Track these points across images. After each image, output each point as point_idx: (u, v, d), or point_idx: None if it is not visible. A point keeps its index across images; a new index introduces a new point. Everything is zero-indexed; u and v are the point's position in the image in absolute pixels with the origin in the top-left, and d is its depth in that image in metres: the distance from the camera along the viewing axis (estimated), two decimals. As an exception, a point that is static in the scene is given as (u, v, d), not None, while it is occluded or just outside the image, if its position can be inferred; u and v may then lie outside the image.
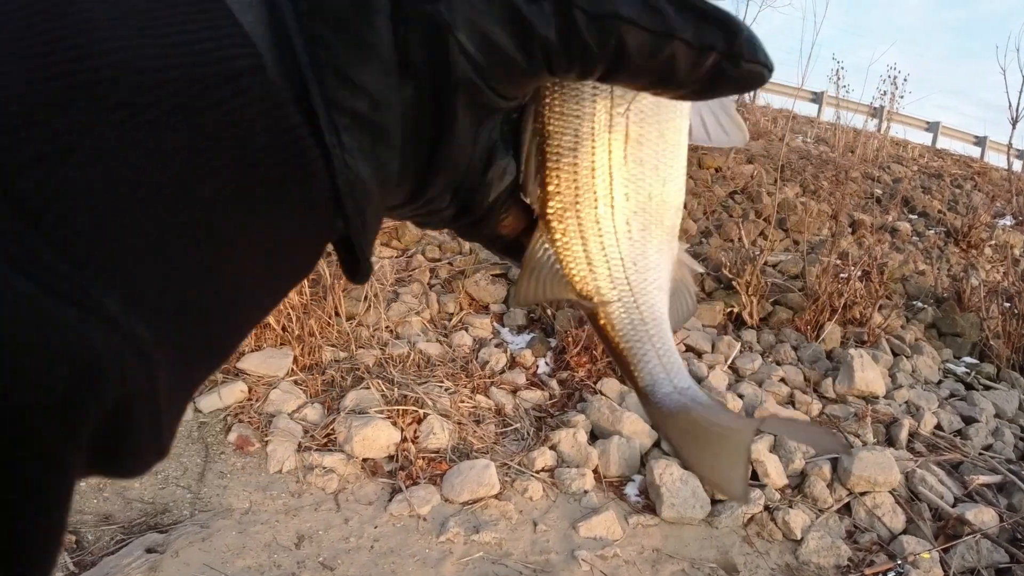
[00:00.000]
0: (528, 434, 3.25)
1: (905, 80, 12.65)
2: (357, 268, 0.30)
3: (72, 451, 0.19)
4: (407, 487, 2.83)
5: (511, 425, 3.29)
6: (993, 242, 7.76)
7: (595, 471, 3.03)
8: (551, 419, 3.36)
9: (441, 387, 3.43)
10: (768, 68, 0.28)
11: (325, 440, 3.08)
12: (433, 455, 3.03)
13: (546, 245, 0.38)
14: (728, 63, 0.27)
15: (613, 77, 0.28)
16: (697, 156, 7.44)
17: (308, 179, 0.25)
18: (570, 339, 3.71)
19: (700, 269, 0.49)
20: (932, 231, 7.64)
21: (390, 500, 2.79)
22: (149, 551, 2.43)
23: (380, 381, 3.34)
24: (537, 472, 2.99)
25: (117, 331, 0.19)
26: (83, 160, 0.19)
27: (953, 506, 3.20)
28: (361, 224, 0.27)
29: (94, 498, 2.68)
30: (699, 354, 4.09)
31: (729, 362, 4.00)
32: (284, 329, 3.62)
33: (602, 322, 0.42)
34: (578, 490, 2.90)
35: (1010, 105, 10.93)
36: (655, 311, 0.42)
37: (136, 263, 0.20)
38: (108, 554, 2.40)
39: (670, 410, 0.45)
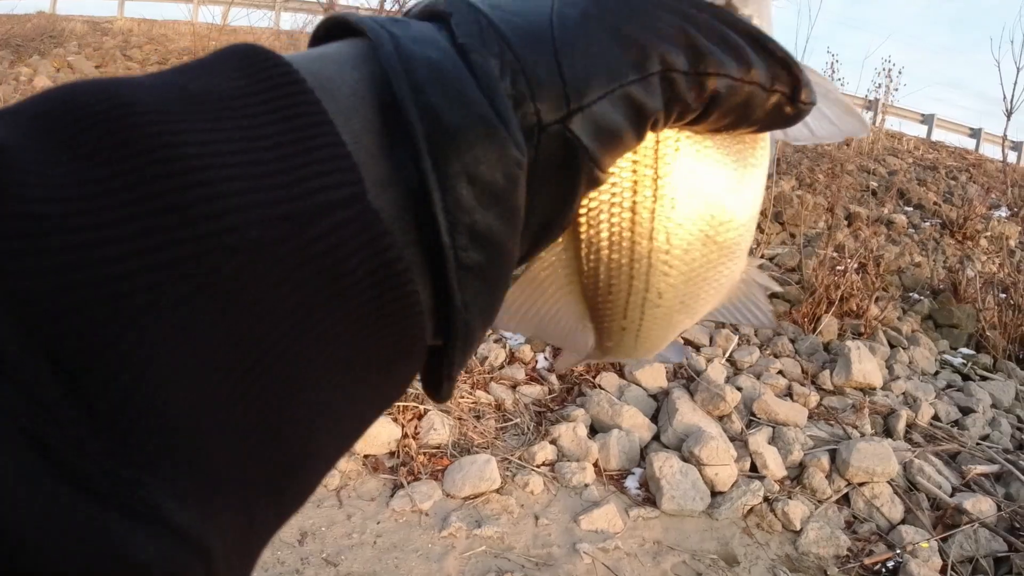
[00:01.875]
0: (528, 429, 3.27)
1: (900, 73, 12.68)
2: (440, 388, 0.29)
3: None
4: (409, 483, 2.85)
5: (511, 420, 3.31)
6: (988, 233, 7.80)
7: (595, 465, 3.05)
8: (551, 414, 3.38)
9: (441, 383, 3.44)
10: (813, 104, 0.31)
11: (326, 437, 3.09)
12: (434, 451, 3.04)
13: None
14: (787, 102, 0.30)
15: (699, 121, 0.30)
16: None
17: (410, 326, 0.24)
18: (569, 334, 3.72)
19: (775, 288, 0.46)
20: (928, 223, 7.67)
21: (392, 496, 2.80)
22: (152, 550, 2.43)
23: (380, 378, 3.35)
24: (538, 466, 3.01)
25: (176, 536, 0.17)
26: (152, 310, 0.17)
27: (951, 496, 3.23)
28: (461, 364, 0.27)
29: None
30: (697, 347, 4.11)
31: (727, 355, 4.02)
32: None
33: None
34: (579, 484, 2.92)
35: (1004, 97, 10.94)
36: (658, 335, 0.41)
37: (210, 453, 0.18)
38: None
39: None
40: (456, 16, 0.25)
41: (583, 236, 0.34)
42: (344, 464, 2.93)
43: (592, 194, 0.32)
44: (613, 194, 0.32)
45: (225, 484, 0.19)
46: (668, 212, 0.33)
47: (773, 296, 4.69)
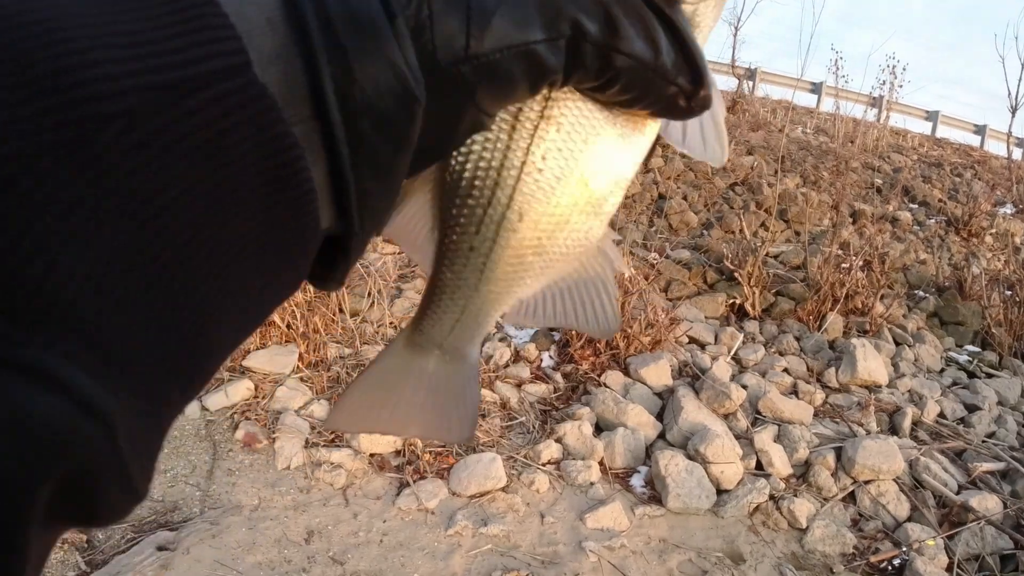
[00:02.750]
0: (534, 427, 3.27)
1: (904, 69, 12.67)
2: (333, 276, 0.30)
3: (24, 525, 0.18)
4: (414, 481, 2.85)
5: (516, 419, 3.31)
6: (994, 231, 7.77)
7: (601, 463, 3.05)
8: (556, 412, 3.38)
9: (446, 382, 3.45)
10: (705, 110, 0.33)
11: (332, 436, 3.10)
12: (440, 449, 3.04)
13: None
14: (684, 97, 0.31)
15: (597, 91, 0.31)
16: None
17: (303, 204, 0.24)
18: (574, 333, 3.72)
19: (624, 269, 0.46)
20: (933, 220, 7.65)
21: (398, 495, 2.81)
22: (160, 549, 2.44)
23: (385, 377, 3.35)
24: (543, 465, 3.01)
25: (71, 398, 0.18)
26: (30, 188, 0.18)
27: (957, 493, 3.22)
28: (357, 253, 0.28)
29: (104, 497, 2.69)
30: (702, 345, 4.11)
31: (732, 353, 4.02)
32: (289, 327, 3.64)
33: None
34: (584, 482, 2.92)
35: (1009, 93, 10.92)
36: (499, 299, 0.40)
37: (95, 317, 0.19)
38: (119, 553, 2.41)
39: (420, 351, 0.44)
40: None
41: None
42: (350, 463, 2.93)
43: None
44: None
45: (125, 359, 0.20)
46: (551, 133, 0.33)
47: (778, 294, 4.69)
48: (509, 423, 3.29)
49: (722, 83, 11.43)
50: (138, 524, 2.60)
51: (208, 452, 3.03)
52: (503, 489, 2.85)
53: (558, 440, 3.13)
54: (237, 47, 0.21)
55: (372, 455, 3.01)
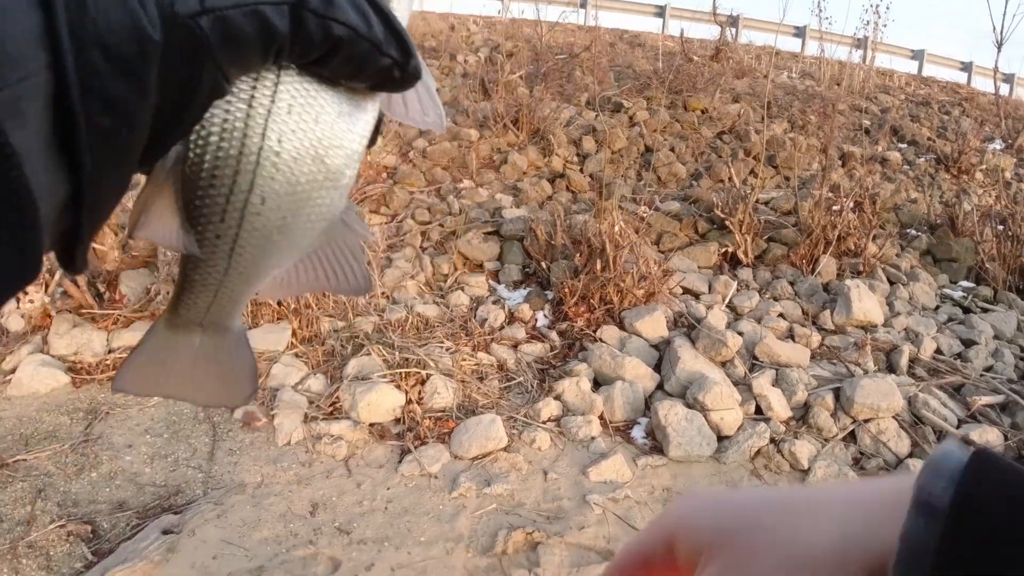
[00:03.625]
0: (532, 387, 3.26)
1: (888, 8, 12.50)
2: (74, 255, 0.31)
3: None
4: (416, 448, 2.85)
5: (514, 379, 3.30)
6: (984, 167, 7.73)
7: (601, 417, 3.05)
8: (553, 370, 3.38)
9: (442, 347, 3.44)
10: (417, 79, 0.37)
11: (331, 409, 3.09)
12: (439, 414, 3.04)
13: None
14: (397, 68, 0.35)
15: (322, 64, 0.34)
16: (683, 99, 7.36)
17: (21, 207, 0.25)
18: (567, 290, 3.70)
19: (368, 236, 0.49)
20: (922, 159, 7.60)
21: (400, 462, 2.80)
22: (165, 532, 2.43)
23: (380, 346, 3.34)
24: (544, 423, 3.01)
25: None
26: None
27: (957, 428, 3.24)
28: (91, 230, 0.30)
29: (106, 487, 2.67)
30: (696, 295, 4.09)
31: (727, 301, 4.01)
32: (280, 304, 3.60)
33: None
34: (585, 437, 2.92)
35: (994, 28, 10.78)
36: (246, 274, 0.41)
37: None
38: (125, 540, 2.40)
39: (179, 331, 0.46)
40: None
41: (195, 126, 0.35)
42: (350, 434, 2.93)
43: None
44: (232, 93, 0.35)
45: None
46: (284, 115, 0.35)
47: (770, 240, 4.66)
48: (507, 384, 3.28)
49: (704, 31, 11.27)
50: (142, 510, 2.58)
51: (208, 434, 3.01)
52: (504, 449, 2.85)
53: (557, 397, 3.12)
54: None
55: (372, 425, 3.00)
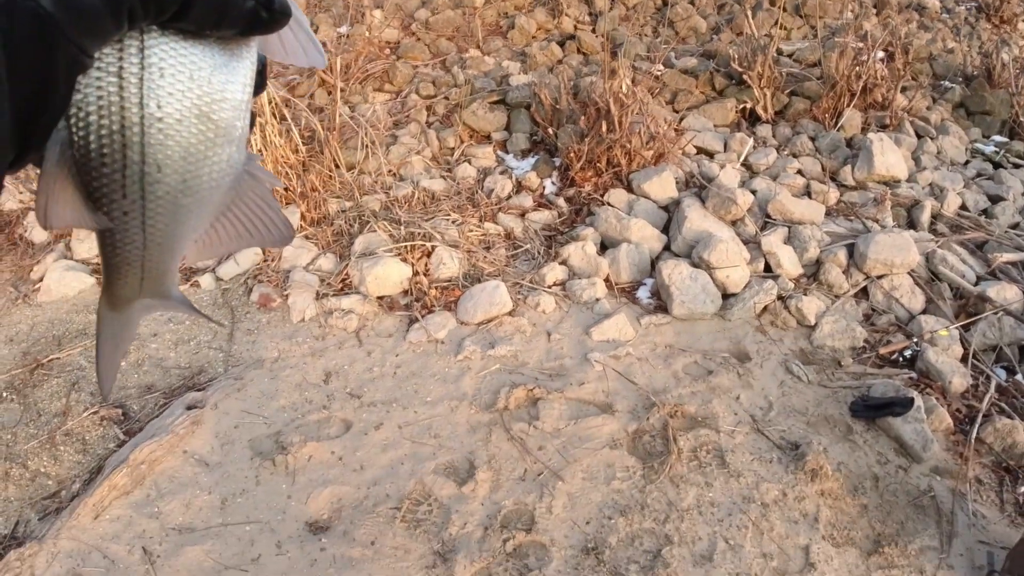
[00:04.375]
0: (539, 253, 3.25)
1: None
2: None
3: None
4: (423, 316, 2.90)
5: (521, 247, 3.30)
6: (1032, 10, 7.15)
7: (606, 280, 3.05)
8: (560, 236, 3.35)
9: (448, 220, 3.42)
10: (287, 16, 0.37)
11: (341, 285, 3.14)
12: (445, 284, 3.07)
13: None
14: (262, 8, 0.35)
15: (178, 19, 0.34)
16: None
17: None
18: (573, 156, 3.61)
19: (279, 184, 0.49)
20: (963, 7, 7.04)
21: (408, 330, 2.86)
22: (190, 408, 2.55)
23: (386, 223, 3.33)
24: (549, 287, 3.02)
25: None
26: None
27: (975, 284, 3.15)
28: None
29: (134, 373, 2.79)
30: (711, 155, 3.96)
31: (742, 159, 3.87)
32: (287, 189, 3.59)
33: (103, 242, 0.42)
34: (590, 299, 2.94)
35: None
36: (163, 235, 0.41)
37: None
38: (153, 419, 2.53)
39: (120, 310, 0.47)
40: None
41: (71, 109, 0.35)
42: (360, 307, 2.98)
43: (81, 77, 0.34)
44: (99, 68, 0.34)
45: None
46: (157, 80, 0.35)
47: (792, 94, 4.44)
48: (514, 252, 3.28)
49: None
50: (169, 391, 2.70)
51: (227, 318, 3.09)
52: (509, 314, 2.88)
53: (563, 263, 3.12)
54: None
55: (380, 298, 3.04)
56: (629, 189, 3.49)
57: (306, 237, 3.44)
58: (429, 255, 3.18)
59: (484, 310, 2.83)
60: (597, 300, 2.91)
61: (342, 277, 3.16)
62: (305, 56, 0.40)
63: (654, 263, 3.10)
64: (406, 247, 3.17)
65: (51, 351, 2.88)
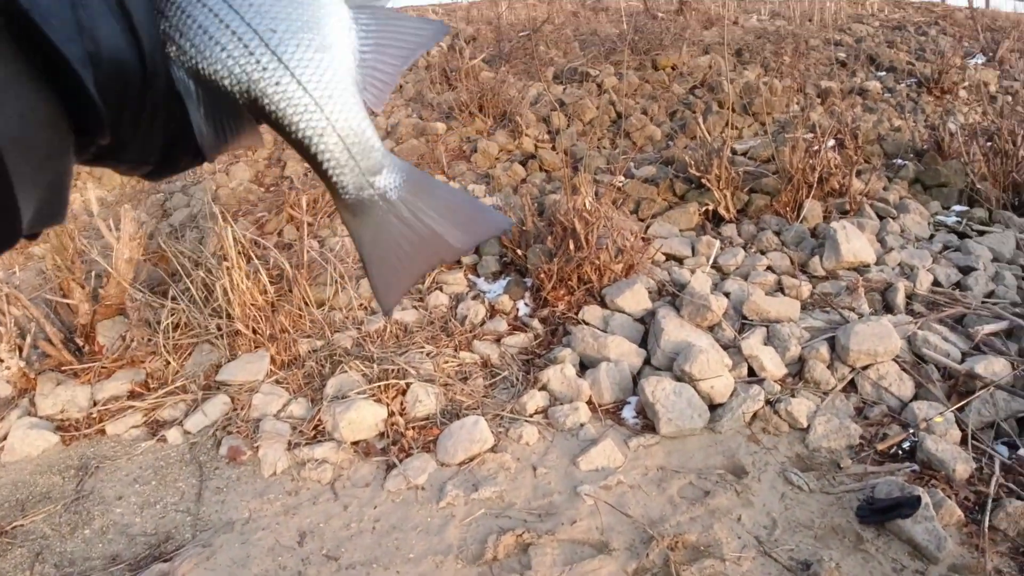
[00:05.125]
0: (517, 379, 3.16)
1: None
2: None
3: None
4: (401, 460, 2.76)
5: (499, 374, 3.21)
6: (967, 83, 7.51)
7: (589, 402, 2.95)
8: (538, 360, 3.27)
9: (422, 352, 3.34)
10: None
11: (314, 433, 3.01)
12: (423, 422, 2.95)
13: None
14: None
15: None
16: (651, 58, 7.18)
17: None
18: (543, 275, 3.59)
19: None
20: (903, 84, 7.39)
21: (386, 478, 2.72)
22: (157, 583, 2.38)
23: (359, 361, 3.25)
24: (530, 416, 2.91)
25: None
26: None
27: (961, 362, 3.09)
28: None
29: (99, 542, 2.63)
30: (680, 260, 3.97)
31: (711, 262, 3.88)
32: (255, 332, 3.52)
33: (268, 110, 0.40)
34: (574, 425, 2.83)
35: (965, -63, 10.50)
36: (323, 82, 0.40)
37: None
38: (117, 594, 2.35)
39: (359, 207, 0.44)
40: None
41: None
42: (335, 455, 2.84)
43: None
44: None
45: None
46: None
47: (751, 191, 4.52)
48: (492, 380, 3.19)
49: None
50: (134, 562, 2.53)
51: (195, 475, 2.95)
52: (491, 450, 2.75)
53: (543, 388, 3.03)
54: None
55: (355, 443, 2.91)
56: (603, 304, 3.45)
57: (276, 382, 3.33)
58: (404, 393, 3.08)
59: (465, 448, 2.71)
60: (582, 426, 2.80)
61: (314, 424, 3.04)
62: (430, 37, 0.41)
63: (636, 380, 3.02)
64: (380, 386, 3.07)
65: (14, 517, 2.72)
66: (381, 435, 2.94)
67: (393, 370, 3.17)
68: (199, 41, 0.38)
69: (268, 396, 3.20)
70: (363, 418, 2.92)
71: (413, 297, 3.94)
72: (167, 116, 0.38)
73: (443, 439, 2.79)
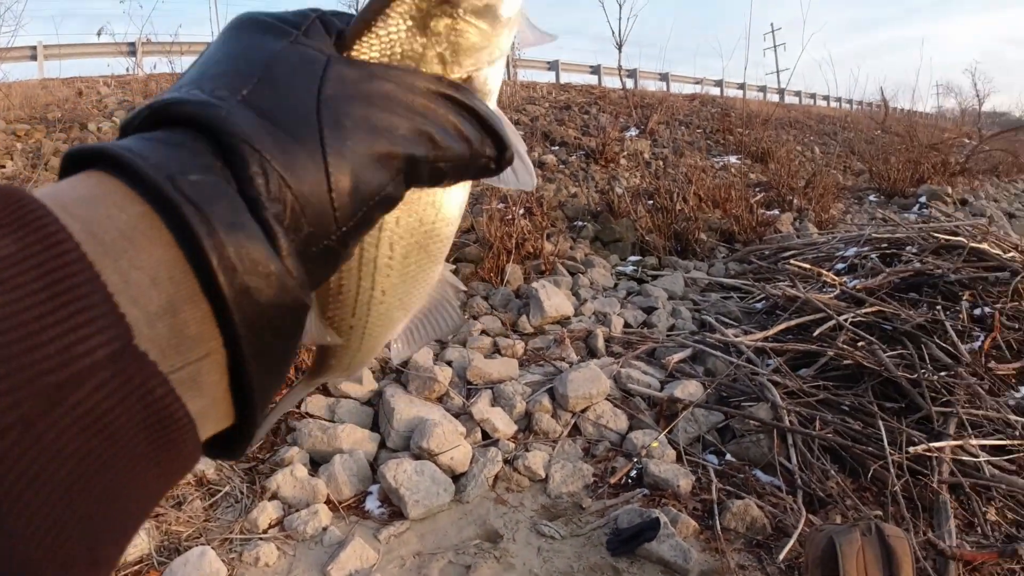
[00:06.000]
0: (242, 493, 2.83)
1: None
2: (233, 454, 0.33)
3: None
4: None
5: (219, 491, 2.85)
6: (625, 153, 8.81)
7: (327, 501, 2.74)
8: (262, 465, 2.98)
9: (122, 485, 2.85)
10: (510, 163, 0.38)
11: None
12: (136, 568, 2.49)
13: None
14: (493, 163, 0.37)
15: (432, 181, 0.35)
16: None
17: (182, 441, 0.26)
18: (260, 373, 3.31)
19: (462, 287, 0.54)
20: (574, 157, 8.42)
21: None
22: None
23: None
24: (264, 532, 2.61)
25: None
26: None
27: (661, 390, 3.49)
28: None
29: None
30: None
31: (432, 335, 3.93)
32: None
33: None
34: (316, 531, 2.59)
35: (613, 32, 12.51)
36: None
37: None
38: None
39: None
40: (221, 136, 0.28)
41: None
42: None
43: None
44: None
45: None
46: (392, 227, 0.37)
47: (457, 261, 4.72)
48: (212, 500, 2.82)
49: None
50: None
51: None
52: (224, 581, 2.40)
53: (273, 497, 2.74)
54: (116, 333, 0.23)
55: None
56: (327, 392, 3.28)
57: None
58: (104, 538, 2.58)
59: (190, 588, 2.33)
60: (325, 529, 2.58)
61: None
62: (518, 181, 0.42)
63: (374, 467, 2.89)
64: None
65: None
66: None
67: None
68: None
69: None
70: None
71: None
72: None
73: (161, 583, 2.37)
